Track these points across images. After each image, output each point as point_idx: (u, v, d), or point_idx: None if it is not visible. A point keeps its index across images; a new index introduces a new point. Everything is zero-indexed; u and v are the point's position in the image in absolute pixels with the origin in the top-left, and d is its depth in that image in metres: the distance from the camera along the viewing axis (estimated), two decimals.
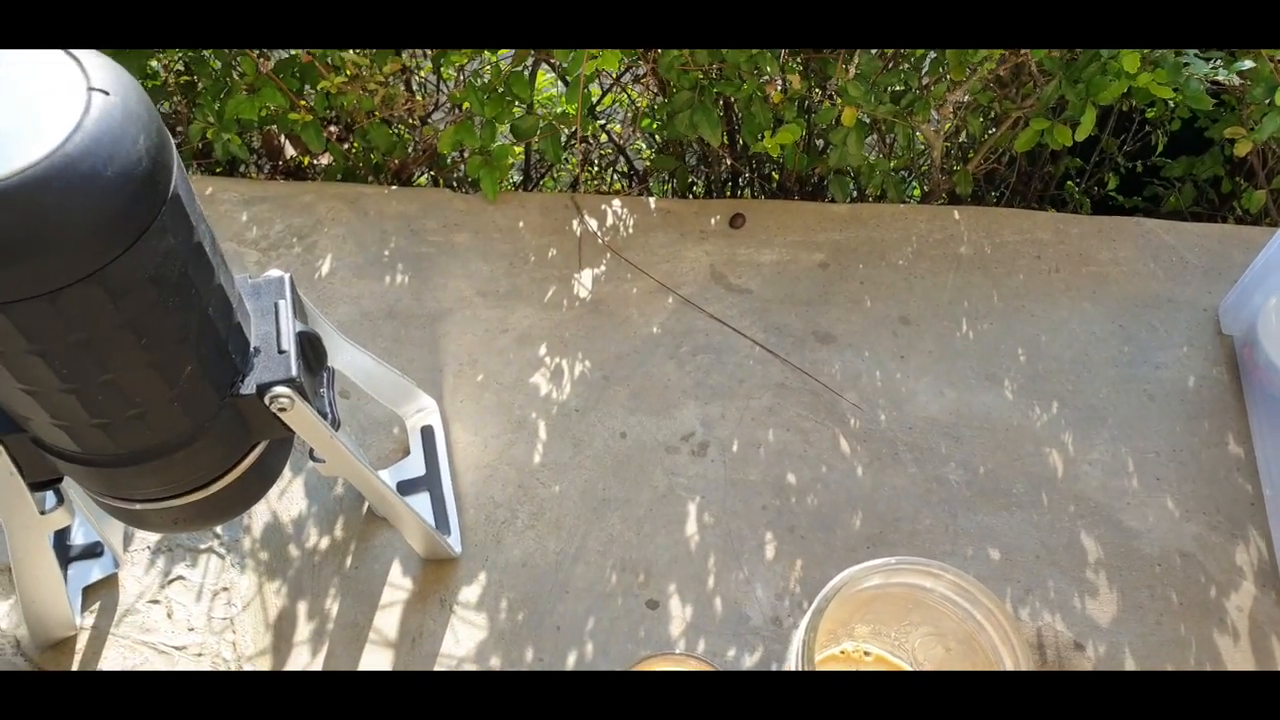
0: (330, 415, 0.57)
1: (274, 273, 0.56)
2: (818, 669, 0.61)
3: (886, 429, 0.77)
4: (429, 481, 0.71)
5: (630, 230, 0.89)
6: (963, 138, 1.00)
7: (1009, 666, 0.51)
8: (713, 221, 0.90)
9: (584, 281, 0.85)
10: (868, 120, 0.85)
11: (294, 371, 0.51)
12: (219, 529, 0.70)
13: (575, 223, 0.89)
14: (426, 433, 0.73)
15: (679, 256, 0.88)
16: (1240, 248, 0.88)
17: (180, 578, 0.68)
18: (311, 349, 0.55)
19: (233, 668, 0.65)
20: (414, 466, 0.72)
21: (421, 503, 0.70)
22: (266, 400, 0.50)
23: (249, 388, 0.50)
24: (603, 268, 0.86)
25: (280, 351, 0.52)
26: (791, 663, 0.51)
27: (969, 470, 0.74)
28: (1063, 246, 0.89)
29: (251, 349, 0.52)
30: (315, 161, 1.06)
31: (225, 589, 0.68)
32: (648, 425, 0.77)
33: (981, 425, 0.77)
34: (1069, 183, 1.10)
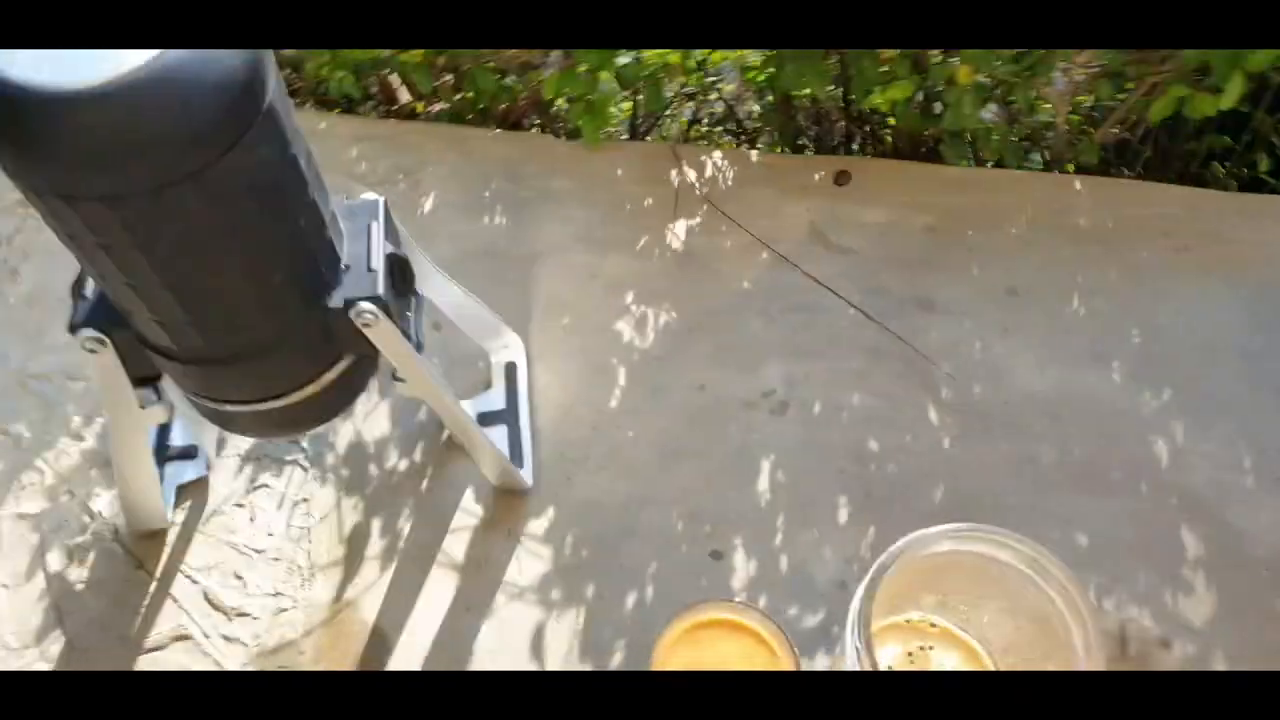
0: (415, 338, 0.58)
1: (369, 195, 0.58)
2: (873, 633, 0.59)
3: (979, 402, 0.73)
4: (507, 415, 0.72)
5: (730, 183, 0.88)
6: (1091, 103, 0.94)
7: (1079, 648, 0.48)
8: (816, 178, 0.88)
9: (678, 233, 0.84)
10: (986, 80, 0.80)
11: (380, 289, 0.53)
12: (304, 443, 0.73)
13: (674, 173, 0.88)
14: (510, 369, 0.74)
15: (778, 212, 0.86)
16: None
17: (265, 485, 0.72)
18: (400, 272, 0.57)
19: (305, 575, 0.68)
20: (495, 400, 0.73)
21: (498, 435, 0.71)
22: (352, 315, 0.52)
23: (337, 301, 0.52)
24: (698, 220, 0.85)
25: (369, 270, 0.54)
26: (849, 627, 0.49)
27: (1064, 451, 0.71)
28: (1196, 224, 0.83)
29: (342, 265, 0.53)
30: (428, 109, 1.08)
31: (305, 499, 0.71)
32: (729, 380, 0.75)
33: (1083, 406, 0.73)
34: (1214, 163, 1.02)
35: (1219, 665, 0.62)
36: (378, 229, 0.55)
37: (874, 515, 0.68)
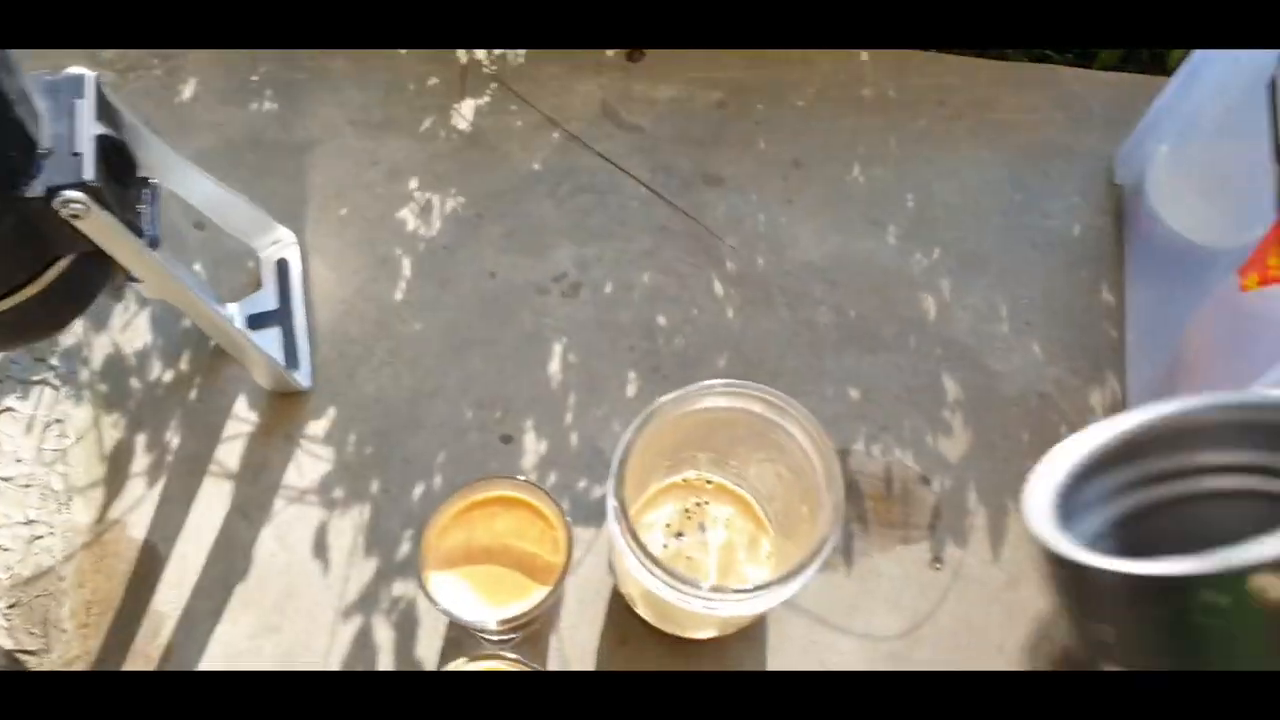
0: (148, 232, 0.54)
1: (75, 70, 0.52)
2: (652, 495, 0.61)
3: (763, 273, 0.75)
4: (280, 316, 0.69)
5: (521, 60, 0.85)
6: None
7: (822, 484, 0.50)
8: (610, 54, 0.86)
9: (465, 113, 0.81)
10: None
11: (87, 175, 0.48)
12: (53, 360, 0.68)
13: (461, 49, 0.84)
14: (281, 266, 0.71)
15: (570, 90, 0.83)
16: (1147, 98, 0.85)
17: (9, 410, 0.67)
18: (118, 156, 0.52)
19: (61, 499, 0.64)
20: (266, 300, 0.69)
21: (271, 336, 0.68)
22: (57, 205, 0.47)
23: (36, 190, 0.47)
24: (486, 99, 0.82)
25: (73, 154, 0.49)
26: (610, 482, 0.50)
27: (840, 314, 0.73)
28: (970, 93, 0.86)
29: (40, 150, 0.48)
30: None
31: (59, 421, 0.66)
32: (519, 265, 0.74)
33: (859, 270, 0.75)
34: None
35: (971, 496, 0.67)
36: (84, 107, 0.50)
37: (661, 387, 0.69)
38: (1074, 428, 0.69)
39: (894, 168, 0.80)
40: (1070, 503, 0.21)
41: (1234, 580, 0.19)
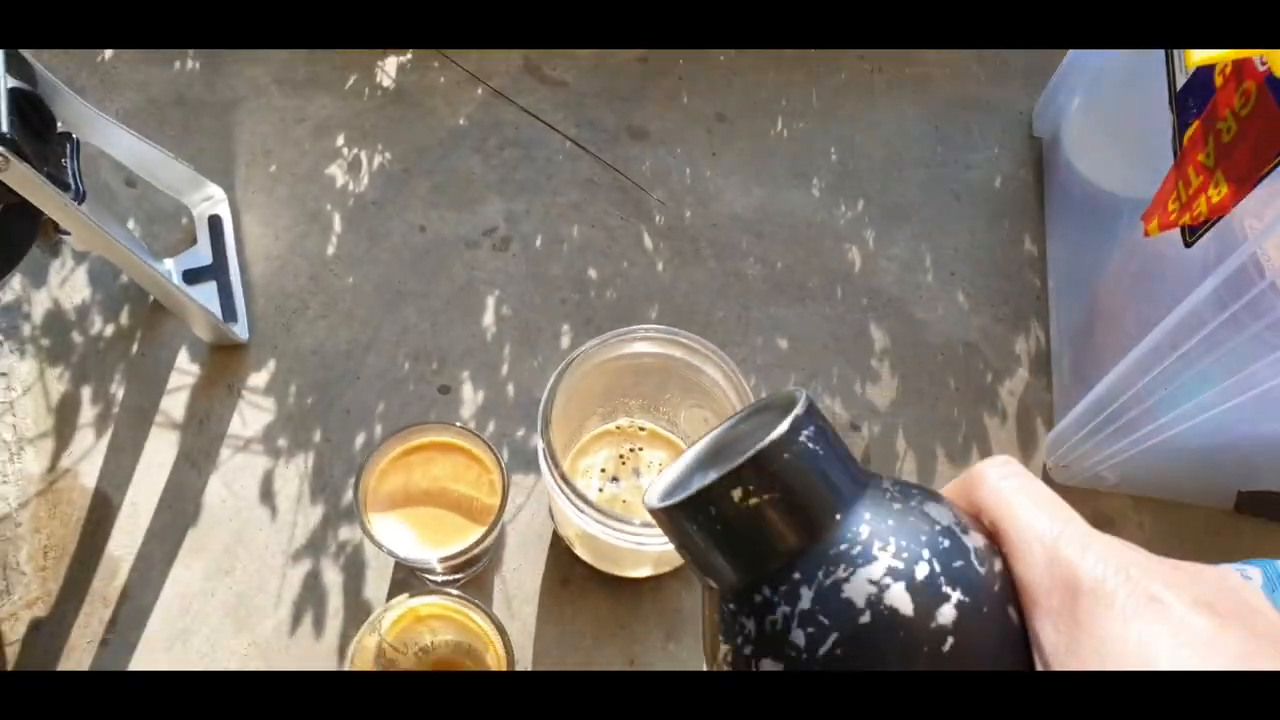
0: (74, 187, 0.55)
1: None
2: (585, 442, 0.63)
3: (690, 226, 0.77)
4: (215, 270, 0.70)
5: None
6: None
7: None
8: None
9: (388, 70, 0.81)
10: None
11: (3, 128, 0.48)
12: None
13: None
14: (214, 222, 0.71)
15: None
16: (1062, 52, 0.88)
17: None
18: (34, 111, 0.53)
19: (13, 449, 0.65)
20: (200, 256, 0.70)
21: (207, 291, 0.69)
22: None
23: None
24: (409, 55, 0.82)
25: None
26: (540, 424, 0.52)
27: (767, 265, 0.76)
28: (890, 49, 0.88)
29: None
30: None
31: (3, 374, 0.67)
32: (449, 219, 0.76)
33: (785, 222, 0.78)
34: None
35: (900, 441, 0.70)
36: None
37: (594, 338, 0.71)
38: (999, 375, 0.73)
39: (816, 121, 0.83)
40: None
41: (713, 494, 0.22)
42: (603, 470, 0.63)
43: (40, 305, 0.69)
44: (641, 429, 0.64)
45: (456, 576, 0.62)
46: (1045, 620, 0.20)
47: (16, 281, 0.70)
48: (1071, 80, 0.78)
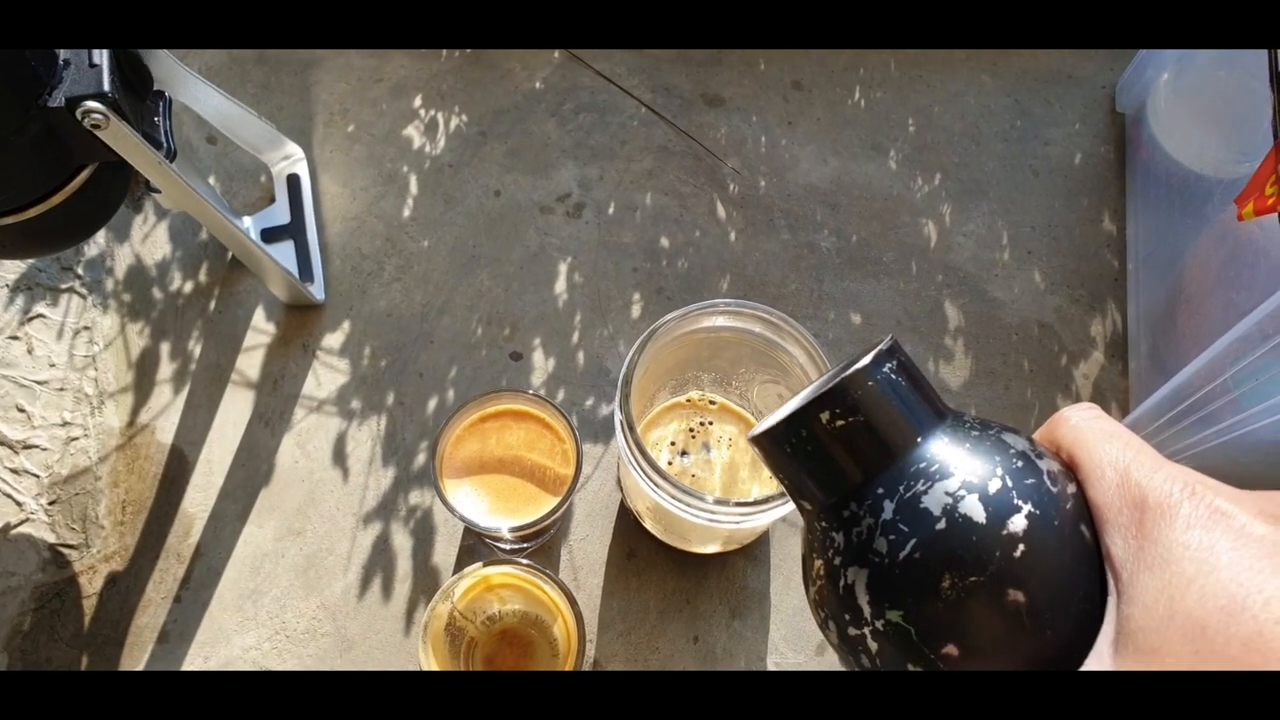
0: (166, 143, 0.55)
1: None
2: (657, 414, 0.63)
3: (765, 195, 0.76)
4: (293, 230, 0.70)
5: None
6: None
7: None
8: None
9: None
10: None
11: (106, 86, 0.49)
12: (79, 269, 0.70)
13: None
14: (292, 181, 0.72)
15: None
16: None
17: (41, 315, 0.68)
18: (133, 69, 0.53)
19: (94, 402, 0.66)
20: (279, 215, 0.71)
21: (285, 250, 0.69)
22: (79, 115, 0.48)
23: (57, 100, 0.48)
24: None
25: (91, 65, 0.50)
26: (617, 397, 0.52)
27: (842, 238, 0.75)
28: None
29: (60, 61, 0.49)
30: None
31: (87, 328, 0.68)
32: (523, 184, 0.75)
33: (861, 194, 0.76)
34: None
35: None
36: None
37: (665, 309, 0.71)
38: (1074, 357, 0.72)
39: (894, 92, 0.81)
40: None
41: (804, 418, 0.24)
42: (672, 444, 0.63)
43: (123, 261, 0.70)
44: (713, 403, 0.64)
45: (525, 545, 0.63)
46: (1115, 534, 0.21)
47: (101, 236, 0.71)
48: (1161, 55, 0.75)
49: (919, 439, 0.24)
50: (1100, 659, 0.20)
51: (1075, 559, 0.22)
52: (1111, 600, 0.21)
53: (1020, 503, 0.22)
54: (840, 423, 0.24)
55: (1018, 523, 0.22)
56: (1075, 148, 0.80)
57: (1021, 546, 0.22)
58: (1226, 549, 0.19)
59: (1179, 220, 0.71)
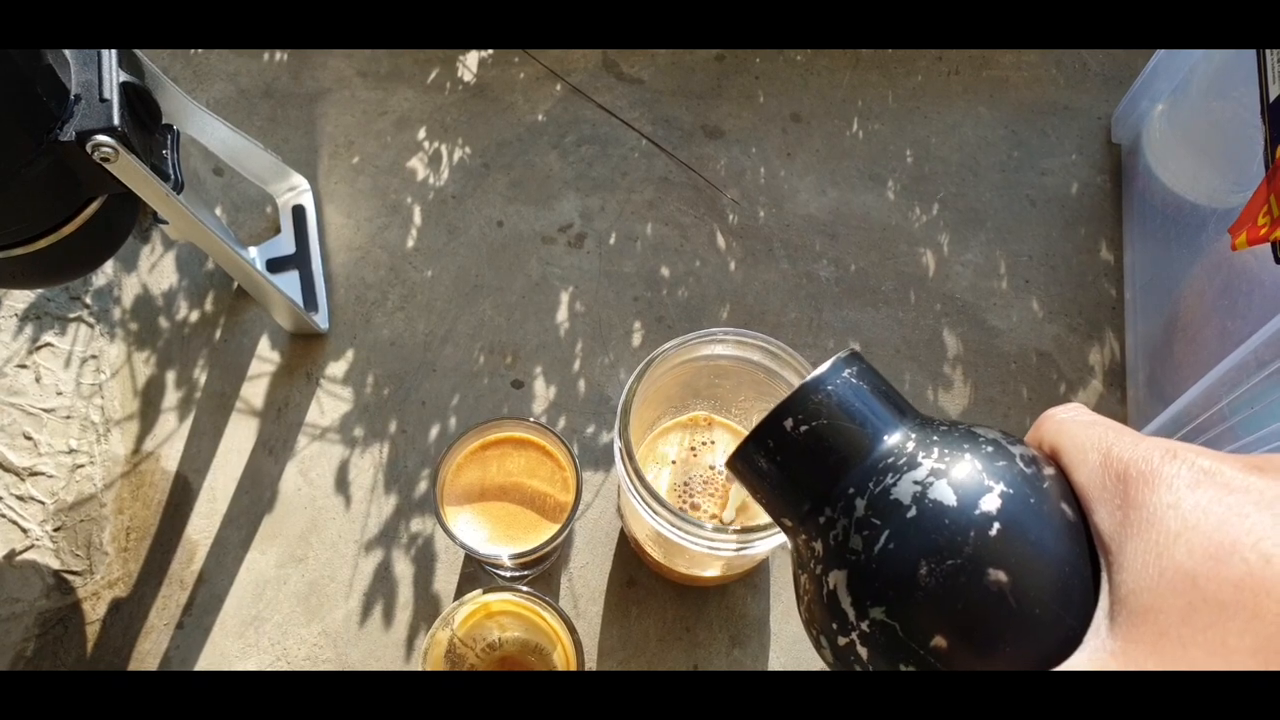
0: (174, 177, 0.56)
1: None
2: (658, 433, 0.64)
3: (764, 226, 0.77)
4: (298, 260, 0.71)
5: None
6: None
7: None
8: None
9: (469, 64, 0.82)
10: None
11: (116, 120, 0.50)
12: (87, 299, 0.71)
13: None
14: (297, 212, 0.73)
15: None
16: (1144, 57, 0.86)
17: (49, 344, 0.69)
18: (141, 103, 0.54)
19: (100, 430, 0.67)
20: (284, 245, 0.72)
21: (290, 280, 0.70)
22: (89, 149, 0.49)
23: (68, 134, 0.49)
24: (490, 51, 0.83)
25: (102, 100, 0.51)
26: (617, 425, 0.53)
27: (840, 268, 0.75)
28: (966, 49, 0.87)
29: (71, 96, 0.50)
30: None
31: (94, 356, 0.69)
32: (526, 215, 0.76)
33: (859, 224, 0.77)
34: None
35: None
36: (108, 56, 0.52)
37: (665, 337, 0.71)
38: (1072, 385, 0.72)
39: (892, 123, 0.82)
40: None
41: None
42: (673, 462, 0.64)
43: (130, 290, 0.71)
44: (709, 421, 0.64)
45: (525, 572, 0.63)
46: (1101, 509, 0.21)
47: (109, 266, 0.72)
48: (1155, 86, 0.77)
49: (885, 436, 0.25)
50: (1097, 631, 0.20)
51: (1057, 536, 0.22)
52: (1105, 574, 0.21)
53: (991, 483, 0.22)
54: (804, 427, 0.25)
55: (990, 501, 0.22)
56: (1072, 178, 0.81)
57: (997, 525, 0.22)
58: (1212, 502, 0.19)
59: (1175, 249, 0.71)
